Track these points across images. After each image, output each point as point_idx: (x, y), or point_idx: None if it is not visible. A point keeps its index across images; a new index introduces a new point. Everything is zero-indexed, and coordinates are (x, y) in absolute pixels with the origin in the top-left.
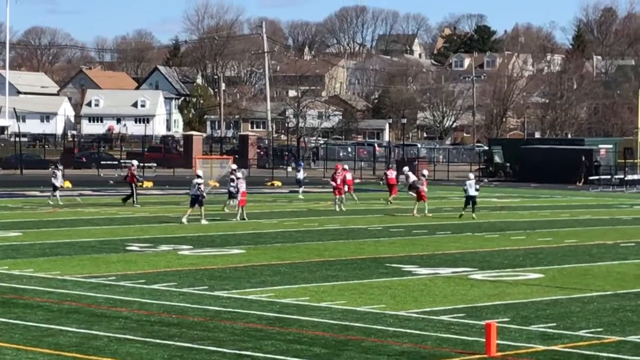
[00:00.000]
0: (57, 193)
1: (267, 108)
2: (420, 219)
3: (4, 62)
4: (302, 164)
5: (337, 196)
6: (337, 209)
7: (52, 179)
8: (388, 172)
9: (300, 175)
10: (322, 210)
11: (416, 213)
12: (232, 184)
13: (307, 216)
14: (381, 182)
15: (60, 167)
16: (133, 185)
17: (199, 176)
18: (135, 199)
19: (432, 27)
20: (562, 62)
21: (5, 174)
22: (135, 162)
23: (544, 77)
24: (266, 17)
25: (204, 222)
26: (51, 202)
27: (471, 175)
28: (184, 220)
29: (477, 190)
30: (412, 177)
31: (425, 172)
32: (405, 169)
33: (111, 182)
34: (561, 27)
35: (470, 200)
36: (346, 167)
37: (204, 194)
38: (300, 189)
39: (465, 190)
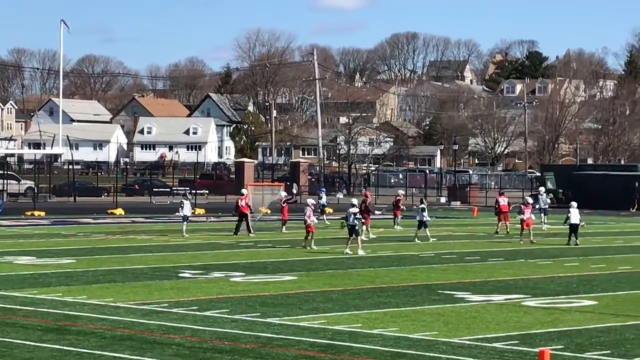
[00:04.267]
0: (184, 225)
1: (318, 135)
2: (474, 245)
3: (57, 90)
4: (324, 189)
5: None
6: (366, 237)
7: (180, 209)
8: (500, 199)
9: (324, 200)
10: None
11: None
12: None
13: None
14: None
15: (190, 197)
16: (246, 215)
17: (353, 205)
18: (249, 228)
19: (484, 53)
20: (614, 87)
21: (59, 201)
22: (245, 191)
23: (596, 103)
24: (317, 44)
25: (361, 252)
26: (186, 235)
27: (574, 204)
28: (361, 252)
29: (580, 220)
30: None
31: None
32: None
33: (211, 219)
34: (613, 53)
35: (573, 227)
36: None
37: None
38: (324, 215)
39: (568, 218)
